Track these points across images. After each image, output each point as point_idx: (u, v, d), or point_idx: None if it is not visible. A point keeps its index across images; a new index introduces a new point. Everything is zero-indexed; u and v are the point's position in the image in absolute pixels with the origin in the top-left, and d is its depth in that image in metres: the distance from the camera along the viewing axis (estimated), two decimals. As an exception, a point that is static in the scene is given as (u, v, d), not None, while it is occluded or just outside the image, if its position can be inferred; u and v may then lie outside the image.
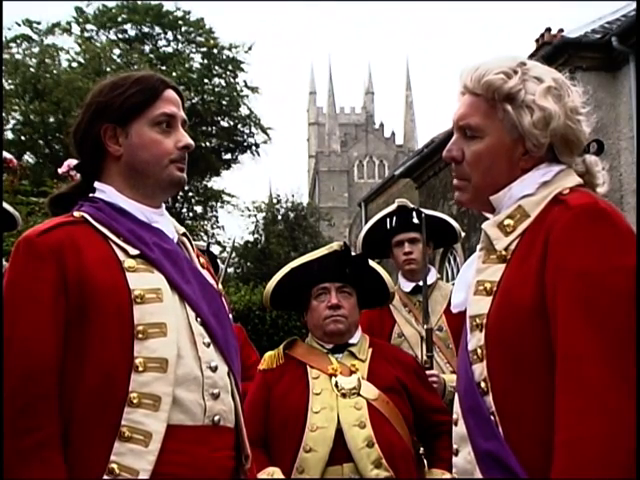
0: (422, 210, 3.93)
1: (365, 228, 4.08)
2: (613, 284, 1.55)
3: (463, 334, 1.80)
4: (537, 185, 1.75)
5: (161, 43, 31.67)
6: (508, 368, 1.65)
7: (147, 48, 31.13)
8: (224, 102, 29.92)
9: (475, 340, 1.71)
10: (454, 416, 1.79)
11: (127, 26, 31.27)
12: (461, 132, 1.82)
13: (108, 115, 1.96)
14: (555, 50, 12.86)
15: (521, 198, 1.75)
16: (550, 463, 1.53)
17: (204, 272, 2.06)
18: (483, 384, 1.68)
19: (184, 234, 2.07)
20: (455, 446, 1.77)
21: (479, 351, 1.70)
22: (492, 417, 1.65)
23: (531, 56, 14.24)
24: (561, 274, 1.59)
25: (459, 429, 1.75)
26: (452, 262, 18.20)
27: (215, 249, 25.66)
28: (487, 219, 1.84)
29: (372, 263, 3.26)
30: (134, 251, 1.91)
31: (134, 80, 1.99)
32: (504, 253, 1.73)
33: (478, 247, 1.81)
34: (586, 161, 1.80)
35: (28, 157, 25.62)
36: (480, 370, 1.69)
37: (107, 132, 1.96)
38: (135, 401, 1.80)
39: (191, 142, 2.00)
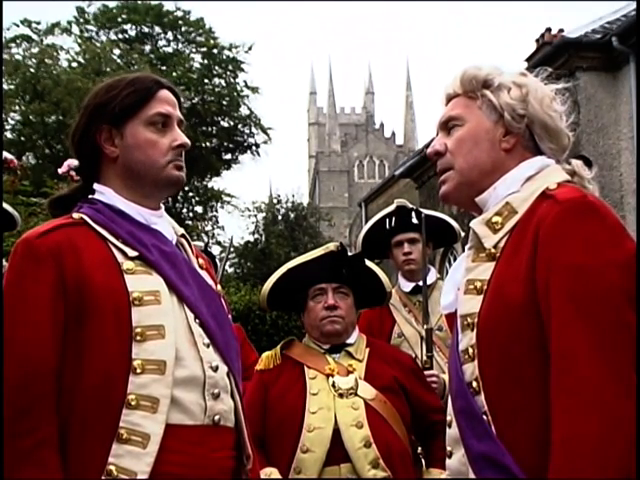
0: (421, 210, 3.93)
1: (365, 228, 4.08)
2: (605, 279, 1.54)
3: (453, 335, 1.79)
4: (522, 181, 1.76)
5: (161, 43, 31.61)
6: (500, 366, 1.63)
7: (147, 48, 31.04)
8: (224, 102, 29.83)
9: (466, 340, 1.70)
10: (447, 418, 1.78)
11: (127, 26, 31.19)
12: (443, 129, 1.86)
13: (103, 117, 1.97)
14: (555, 50, 12.85)
15: (507, 196, 1.75)
16: (546, 461, 1.52)
17: (203, 273, 2.06)
18: (475, 384, 1.67)
19: (182, 235, 2.07)
20: (449, 448, 1.76)
21: (470, 350, 1.69)
22: (485, 417, 1.64)
23: (531, 56, 14.29)
24: (552, 270, 1.58)
25: (452, 431, 1.74)
26: (452, 262, 18.20)
27: (215, 249, 25.67)
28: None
29: (369, 263, 3.26)
30: (133, 253, 1.91)
31: (128, 81, 1.99)
32: (493, 251, 1.72)
33: (467, 246, 1.81)
34: (572, 163, 1.81)
35: (28, 158, 25.57)
36: (471, 370, 1.68)
37: (103, 134, 1.97)
38: (133, 403, 1.80)
39: (187, 141, 2.00)
